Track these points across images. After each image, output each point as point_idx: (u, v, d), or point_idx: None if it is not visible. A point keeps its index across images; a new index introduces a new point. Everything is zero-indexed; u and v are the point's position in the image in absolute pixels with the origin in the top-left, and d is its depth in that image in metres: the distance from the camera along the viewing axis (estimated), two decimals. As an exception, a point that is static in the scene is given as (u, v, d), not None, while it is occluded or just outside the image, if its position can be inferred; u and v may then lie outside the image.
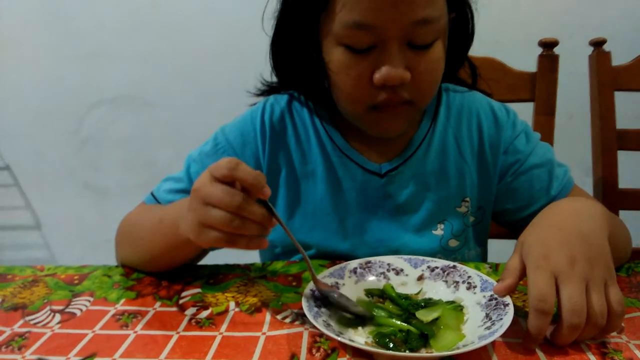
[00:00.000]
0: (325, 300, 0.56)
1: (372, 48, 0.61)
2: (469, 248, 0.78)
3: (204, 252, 0.73)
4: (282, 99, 0.79)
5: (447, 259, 0.65)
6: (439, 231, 0.75)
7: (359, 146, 0.75)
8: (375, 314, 0.55)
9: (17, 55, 1.94)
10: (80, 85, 1.94)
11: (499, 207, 0.79)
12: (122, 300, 0.62)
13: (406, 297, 0.59)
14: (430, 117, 0.76)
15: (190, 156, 0.78)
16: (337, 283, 0.60)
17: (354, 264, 0.63)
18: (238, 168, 0.52)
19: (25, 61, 1.94)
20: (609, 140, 1.03)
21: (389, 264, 0.64)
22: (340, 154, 0.75)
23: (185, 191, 0.74)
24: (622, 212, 1.03)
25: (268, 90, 0.80)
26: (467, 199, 0.76)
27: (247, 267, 0.71)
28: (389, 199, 0.74)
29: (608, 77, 1.02)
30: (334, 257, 0.73)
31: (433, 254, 0.73)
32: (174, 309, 0.60)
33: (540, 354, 0.49)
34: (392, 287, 0.60)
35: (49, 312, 0.60)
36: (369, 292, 0.60)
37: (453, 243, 0.76)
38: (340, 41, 0.63)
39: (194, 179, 0.74)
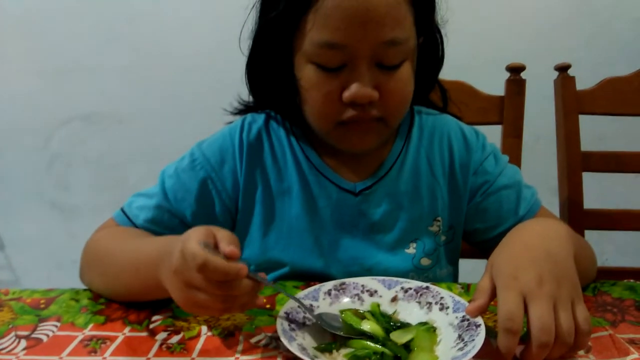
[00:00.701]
0: (299, 324, 0.55)
1: (342, 67, 0.63)
2: (440, 267, 0.79)
3: None
4: (259, 118, 0.79)
5: (419, 278, 0.66)
6: (411, 250, 0.76)
7: (334, 165, 0.76)
8: (360, 327, 0.56)
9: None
10: (50, 101, 1.90)
11: (468, 227, 0.80)
12: (90, 325, 0.61)
13: (387, 316, 0.60)
14: (403, 137, 0.78)
15: (165, 171, 0.77)
16: (311, 305, 0.59)
17: (328, 285, 0.63)
18: (207, 267, 0.49)
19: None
20: (574, 162, 1.06)
21: (363, 286, 0.64)
22: (315, 172, 0.75)
23: (159, 207, 0.74)
24: (587, 232, 1.06)
25: (245, 109, 0.81)
26: (439, 218, 0.78)
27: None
28: (363, 217, 0.75)
29: (573, 101, 1.06)
30: (308, 275, 0.73)
31: (405, 273, 0.75)
32: (144, 333, 0.58)
33: (511, 374, 0.49)
34: (379, 306, 0.61)
35: (14, 337, 0.58)
36: (344, 314, 0.60)
37: (425, 262, 0.77)
38: (310, 59, 0.64)
39: (169, 195, 0.74)
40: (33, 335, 0.58)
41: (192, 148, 0.78)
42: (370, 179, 0.75)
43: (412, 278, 0.65)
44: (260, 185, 0.76)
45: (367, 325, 0.56)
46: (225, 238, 0.53)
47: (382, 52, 0.63)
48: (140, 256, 0.62)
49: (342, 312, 0.59)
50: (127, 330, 0.59)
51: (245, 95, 0.79)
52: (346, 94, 0.63)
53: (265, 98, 0.78)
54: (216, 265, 0.48)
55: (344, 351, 0.53)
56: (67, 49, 1.86)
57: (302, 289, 0.62)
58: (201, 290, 0.50)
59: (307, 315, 0.57)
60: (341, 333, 0.55)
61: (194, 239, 0.50)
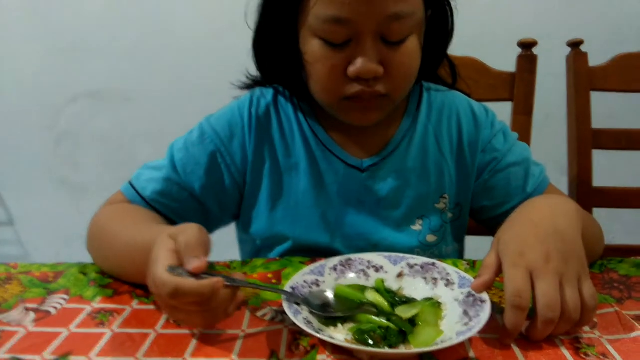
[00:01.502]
0: (305, 299, 0.56)
1: (348, 42, 0.62)
2: (446, 244, 0.79)
3: None
4: (267, 93, 0.79)
5: (425, 254, 0.66)
6: (417, 227, 0.76)
7: (342, 141, 0.75)
8: (359, 299, 0.56)
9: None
10: (58, 79, 1.90)
11: (476, 204, 0.80)
12: (99, 298, 0.61)
13: (391, 292, 0.60)
14: (411, 114, 0.77)
15: (174, 145, 0.77)
16: (317, 280, 0.60)
17: (334, 261, 0.63)
18: (179, 293, 0.47)
19: (2, 54, 1.89)
20: (585, 140, 1.05)
21: (369, 261, 0.64)
22: (323, 148, 0.75)
23: (168, 180, 0.74)
24: (595, 210, 1.05)
25: (252, 84, 0.80)
26: (446, 195, 0.77)
27: (226, 265, 0.70)
28: (370, 193, 0.75)
29: (584, 77, 1.04)
30: (314, 250, 0.73)
31: (411, 249, 0.75)
32: (152, 307, 0.59)
33: (516, 349, 0.49)
34: (383, 282, 0.61)
35: (23, 310, 0.59)
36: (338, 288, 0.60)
37: (431, 238, 0.77)
38: (316, 34, 0.64)
39: (179, 168, 0.74)
40: (42, 308, 0.59)
41: (201, 122, 0.78)
42: (378, 156, 0.75)
43: (418, 255, 0.65)
44: (269, 160, 0.76)
45: (371, 295, 0.56)
46: (189, 249, 0.50)
47: (386, 26, 0.61)
48: (136, 245, 0.60)
49: (337, 288, 0.59)
50: (134, 303, 0.60)
51: (253, 70, 0.78)
52: (351, 69, 0.63)
53: (272, 72, 0.77)
54: (189, 290, 0.46)
55: (349, 325, 0.53)
56: (74, 28, 1.85)
57: (308, 265, 0.62)
58: (181, 311, 0.49)
59: (313, 290, 0.57)
60: (337, 314, 0.54)
61: (161, 265, 0.49)
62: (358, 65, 0.62)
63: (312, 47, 0.65)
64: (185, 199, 0.74)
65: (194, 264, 0.49)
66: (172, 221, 0.74)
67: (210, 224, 0.77)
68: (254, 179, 0.76)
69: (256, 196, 0.77)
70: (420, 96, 0.79)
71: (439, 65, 0.80)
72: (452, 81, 0.82)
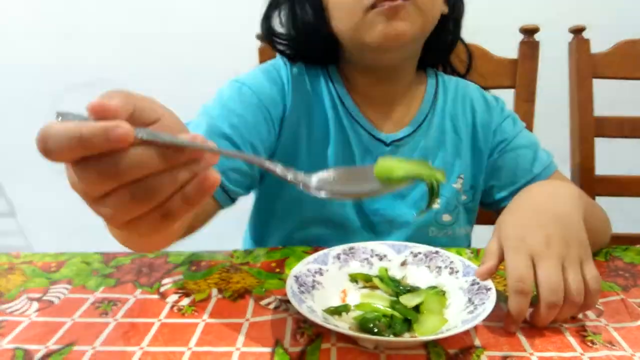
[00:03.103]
0: (309, 286, 0.55)
1: None
2: (459, 225, 0.80)
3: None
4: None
5: (439, 233, 0.67)
6: (435, 205, 0.77)
7: (369, 113, 0.77)
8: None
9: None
10: (57, 66, 1.88)
11: (484, 185, 0.82)
12: (101, 288, 0.61)
13: (395, 280, 0.60)
14: (430, 98, 0.80)
15: (206, 108, 0.72)
16: (320, 269, 0.59)
17: (337, 249, 0.63)
18: (48, 137, 0.31)
19: (1, 41, 1.88)
20: (587, 127, 1.04)
21: (372, 250, 0.64)
22: (350, 118, 0.76)
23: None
24: (598, 199, 1.05)
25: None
26: (462, 175, 0.79)
27: (229, 254, 0.70)
28: None
29: (587, 64, 1.03)
30: (328, 221, 0.75)
31: (426, 226, 0.77)
32: (155, 296, 0.59)
33: (521, 337, 0.49)
34: (386, 270, 0.61)
35: (25, 300, 0.58)
36: (354, 278, 0.60)
37: (446, 218, 0.78)
38: None
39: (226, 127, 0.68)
40: (45, 298, 0.59)
41: (230, 83, 0.74)
42: (402, 131, 0.77)
43: (432, 233, 0.65)
44: (304, 124, 0.76)
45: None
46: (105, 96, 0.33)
47: None
48: None
49: (351, 275, 0.59)
50: (138, 292, 0.60)
51: (255, 63, 0.78)
52: None
53: (298, 50, 0.77)
54: (63, 131, 0.30)
55: (354, 314, 0.53)
56: (70, 15, 1.83)
57: (311, 254, 0.62)
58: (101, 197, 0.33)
59: (320, 272, 0.57)
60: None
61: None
62: None
63: None
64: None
65: (96, 102, 0.32)
66: None
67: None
68: (289, 138, 0.75)
69: (293, 159, 0.75)
70: (436, 82, 0.82)
71: (452, 48, 0.83)
72: (467, 64, 0.86)
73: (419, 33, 0.69)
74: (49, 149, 0.31)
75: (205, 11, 1.76)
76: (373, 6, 0.64)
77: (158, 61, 1.83)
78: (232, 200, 0.71)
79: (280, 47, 0.78)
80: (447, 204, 0.78)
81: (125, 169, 0.31)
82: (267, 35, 0.77)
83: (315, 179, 0.42)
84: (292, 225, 0.78)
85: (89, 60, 1.87)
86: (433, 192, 0.44)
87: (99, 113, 0.32)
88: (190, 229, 0.65)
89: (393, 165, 0.42)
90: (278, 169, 0.40)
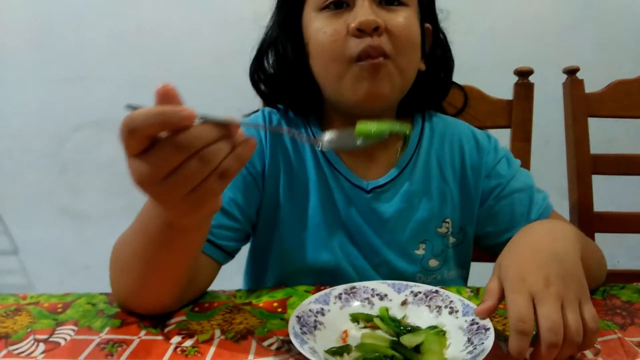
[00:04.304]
0: (311, 327, 0.56)
1: (347, 8, 0.69)
2: (448, 268, 0.80)
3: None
4: (275, 111, 0.81)
5: (426, 279, 0.67)
6: (420, 251, 0.77)
7: (349, 160, 0.77)
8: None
9: (0, 76, 1.93)
10: (63, 107, 1.93)
11: (480, 231, 0.81)
12: (107, 329, 0.62)
13: (396, 320, 0.60)
14: (415, 140, 0.80)
15: None
16: (322, 309, 0.60)
17: (339, 289, 0.64)
18: (134, 121, 0.42)
19: (7, 82, 1.93)
20: (584, 165, 1.06)
21: (373, 289, 0.65)
22: (330, 166, 0.77)
23: None
24: (597, 235, 1.06)
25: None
26: (448, 220, 0.79)
27: (232, 294, 0.71)
28: (374, 215, 0.76)
29: (581, 104, 1.06)
30: (318, 269, 0.75)
31: (413, 274, 0.76)
32: (159, 337, 0.60)
33: (520, 377, 0.50)
34: (387, 310, 0.62)
35: (32, 341, 0.59)
36: (355, 318, 0.61)
37: (433, 263, 0.78)
38: (317, 7, 0.70)
39: None
40: (51, 339, 0.60)
41: None
42: (383, 179, 0.77)
43: (420, 279, 0.66)
44: (283, 172, 0.77)
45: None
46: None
47: None
48: (138, 219, 0.59)
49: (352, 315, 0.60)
50: (142, 333, 0.60)
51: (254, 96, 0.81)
52: (352, 25, 0.67)
53: (279, 87, 0.79)
54: (146, 111, 0.41)
55: (355, 354, 0.54)
56: (78, 57, 1.89)
57: (313, 293, 0.63)
58: (167, 176, 0.43)
59: (323, 312, 0.58)
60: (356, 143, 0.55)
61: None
62: (358, 17, 0.67)
63: (315, 23, 0.71)
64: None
65: (164, 87, 0.43)
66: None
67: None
68: (270, 190, 0.77)
69: (276, 211, 0.77)
70: (422, 122, 0.82)
71: (445, 94, 0.83)
72: (461, 108, 0.87)
73: (398, 94, 0.73)
74: (135, 126, 0.41)
75: (210, 53, 1.81)
76: (358, 59, 0.67)
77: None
78: (230, 255, 0.74)
79: (263, 88, 0.80)
80: (433, 249, 0.78)
81: (192, 139, 0.42)
82: (253, 74, 0.79)
83: (324, 137, 0.55)
84: (285, 272, 0.78)
85: (94, 101, 1.91)
86: (405, 138, 0.65)
87: (164, 96, 0.43)
88: (193, 285, 0.67)
89: (368, 126, 0.53)
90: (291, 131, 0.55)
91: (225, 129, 0.45)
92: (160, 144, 0.42)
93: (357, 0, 0.68)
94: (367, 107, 0.71)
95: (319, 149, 0.55)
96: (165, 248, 0.57)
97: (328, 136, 0.55)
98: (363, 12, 0.66)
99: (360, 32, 0.66)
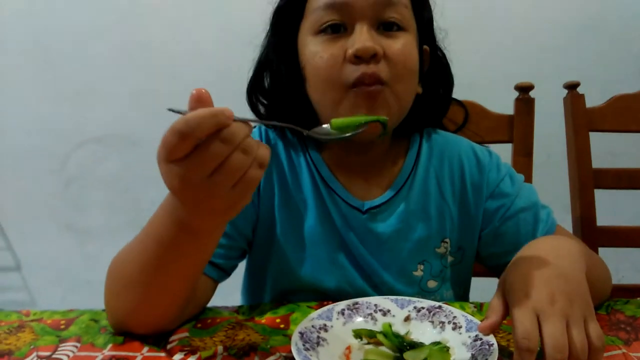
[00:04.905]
0: (314, 343, 0.56)
1: (345, 32, 0.68)
2: (446, 288, 0.79)
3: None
4: (272, 130, 0.81)
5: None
6: (419, 272, 0.76)
7: (345, 180, 0.76)
8: None
9: (3, 93, 1.95)
10: (66, 124, 1.95)
11: (485, 252, 0.80)
12: (109, 346, 0.62)
13: (399, 336, 0.60)
14: (413, 158, 0.78)
15: None
16: (325, 325, 0.60)
17: (341, 305, 0.64)
18: (189, 122, 0.44)
19: (10, 99, 1.95)
20: (586, 180, 1.06)
21: (376, 305, 0.65)
22: (326, 186, 0.76)
23: None
24: (601, 249, 1.06)
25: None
26: (447, 239, 0.78)
27: (234, 310, 0.71)
28: (371, 235, 0.75)
29: (583, 118, 1.06)
30: (316, 289, 0.74)
31: (411, 295, 0.74)
32: (162, 354, 0.59)
33: (525, 393, 0.49)
34: (390, 326, 0.61)
35: (35, 358, 0.59)
36: (358, 334, 0.60)
37: (431, 284, 0.77)
38: (313, 29, 0.69)
39: None
40: (54, 356, 0.60)
41: None
42: (379, 199, 0.76)
43: None
44: (278, 191, 0.76)
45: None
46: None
47: (381, 11, 0.67)
48: (149, 227, 0.59)
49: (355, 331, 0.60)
50: (145, 350, 0.60)
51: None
52: (350, 51, 0.66)
53: (276, 107, 0.78)
54: (198, 115, 0.44)
55: (358, 371, 0.54)
56: (81, 74, 1.91)
57: (316, 309, 0.63)
58: (212, 174, 0.46)
59: (325, 327, 0.58)
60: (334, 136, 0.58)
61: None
62: (356, 44, 0.65)
63: (312, 47, 0.69)
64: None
65: (197, 91, 0.48)
66: None
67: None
68: (267, 209, 0.76)
69: (272, 231, 0.76)
70: (420, 139, 0.80)
71: (445, 112, 0.82)
72: (463, 122, 0.86)
73: (396, 120, 0.72)
74: (191, 129, 0.44)
75: (212, 69, 1.82)
76: (353, 85, 0.66)
77: (165, 118, 1.88)
78: (226, 272, 0.74)
79: (259, 106, 0.79)
80: (432, 269, 0.77)
81: (236, 134, 0.45)
82: (250, 95, 0.78)
83: (318, 129, 0.59)
84: (283, 290, 0.77)
85: (97, 118, 1.93)
86: (384, 126, 0.63)
87: (198, 100, 0.47)
88: (192, 302, 0.67)
89: (344, 121, 0.58)
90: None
91: (248, 125, 0.48)
92: (207, 142, 0.45)
93: (355, 25, 0.67)
94: (364, 133, 0.71)
95: (305, 134, 0.57)
96: (179, 255, 0.57)
97: (315, 129, 0.58)
98: (362, 39, 0.65)
99: (358, 58, 0.65)
